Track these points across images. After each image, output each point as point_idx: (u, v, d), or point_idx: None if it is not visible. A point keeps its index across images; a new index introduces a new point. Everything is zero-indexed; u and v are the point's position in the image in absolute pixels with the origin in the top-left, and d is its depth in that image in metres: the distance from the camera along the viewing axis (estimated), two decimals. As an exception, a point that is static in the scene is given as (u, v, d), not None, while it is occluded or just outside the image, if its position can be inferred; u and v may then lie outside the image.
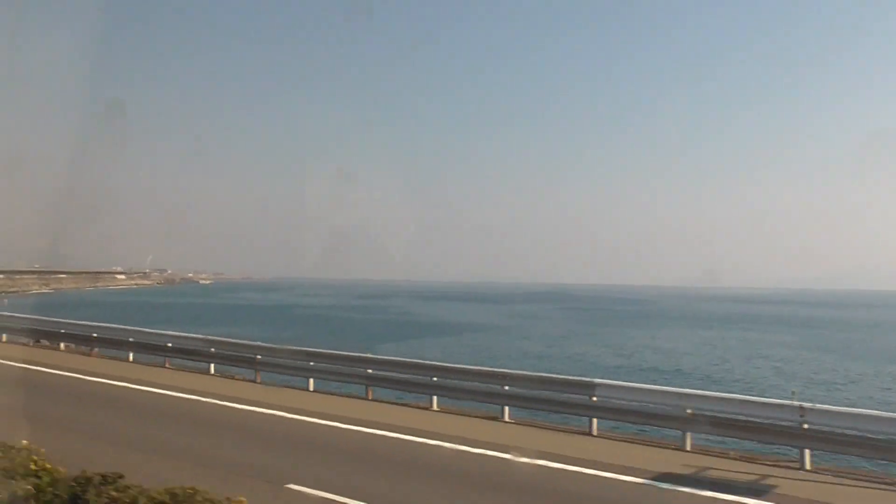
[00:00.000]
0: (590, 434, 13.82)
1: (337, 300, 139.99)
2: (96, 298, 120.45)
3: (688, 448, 12.55)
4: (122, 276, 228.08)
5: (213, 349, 20.81)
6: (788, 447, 12.33)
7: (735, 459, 12.05)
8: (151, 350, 22.07)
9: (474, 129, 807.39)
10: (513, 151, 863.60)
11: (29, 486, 5.32)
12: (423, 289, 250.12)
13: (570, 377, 16.06)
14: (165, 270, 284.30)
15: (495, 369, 17.22)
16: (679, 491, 10.11)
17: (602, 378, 15.76)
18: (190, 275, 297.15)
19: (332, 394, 17.90)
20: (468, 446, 12.16)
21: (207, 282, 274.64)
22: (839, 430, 11.41)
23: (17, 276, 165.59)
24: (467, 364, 19.07)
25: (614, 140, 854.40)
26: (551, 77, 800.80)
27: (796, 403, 11.68)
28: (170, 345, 21.71)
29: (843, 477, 11.17)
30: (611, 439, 13.66)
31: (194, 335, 22.74)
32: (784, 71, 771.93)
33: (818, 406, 11.98)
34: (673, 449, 12.71)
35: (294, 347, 19.68)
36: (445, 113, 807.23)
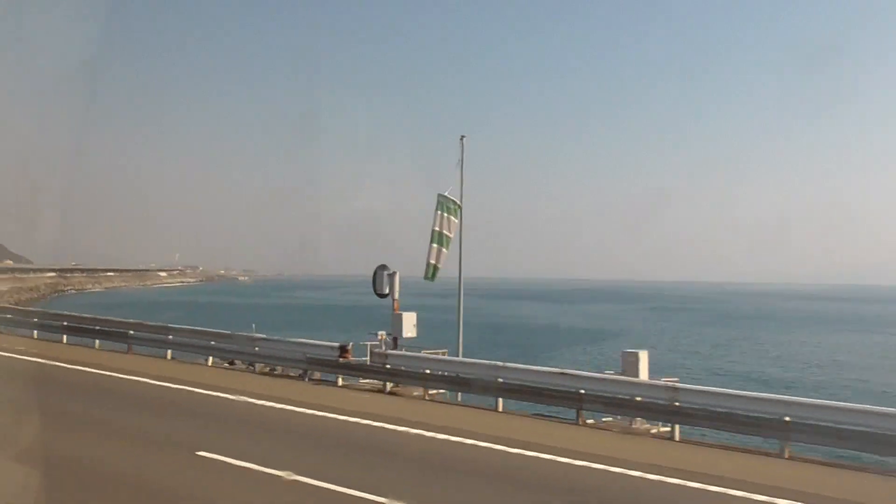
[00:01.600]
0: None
1: (407, 300, 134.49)
2: (161, 298, 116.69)
3: None
4: (163, 274, 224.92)
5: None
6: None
7: None
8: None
9: (497, 121, 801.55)
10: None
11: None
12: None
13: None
14: (197, 267, 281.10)
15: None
16: None
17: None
18: (222, 271, 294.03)
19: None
20: None
21: (245, 279, 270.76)
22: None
23: (69, 275, 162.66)
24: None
25: (646, 134, 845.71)
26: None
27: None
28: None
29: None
30: None
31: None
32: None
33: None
34: None
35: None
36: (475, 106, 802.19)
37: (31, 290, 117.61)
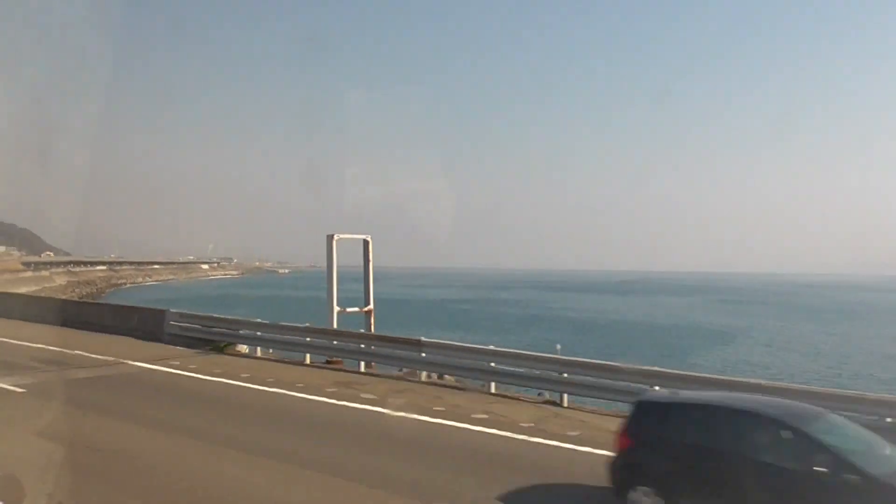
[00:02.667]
0: None
1: (475, 292, 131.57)
2: (222, 292, 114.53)
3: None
4: (205, 267, 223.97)
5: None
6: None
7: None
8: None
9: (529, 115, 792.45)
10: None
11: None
12: (522, 279, 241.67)
13: None
14: (231, 259, 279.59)
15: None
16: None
17: None
18: (257, 263, 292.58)
19: None
20: None
21: (285, 271, 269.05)
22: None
23: (118, 268, 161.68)
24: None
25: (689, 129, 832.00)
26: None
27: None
28: None
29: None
30: None
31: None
32: None
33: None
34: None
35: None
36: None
37: (87, 283, 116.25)
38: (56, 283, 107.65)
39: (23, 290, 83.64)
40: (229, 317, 21.29)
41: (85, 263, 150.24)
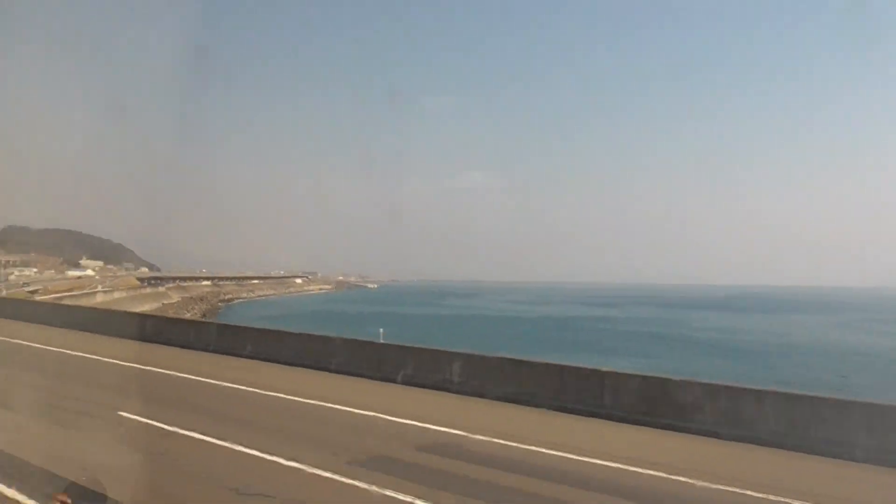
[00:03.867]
0: None
1: (585, 309, 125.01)
2: (332, 307, 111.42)
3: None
4: (299, 281, 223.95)
5: None
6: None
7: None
8: None
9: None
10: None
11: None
12: (615, 294, 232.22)
13: None
14: (316, 273, 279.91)
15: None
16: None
17: None
18: (340, 277, 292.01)
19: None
20: None
21: (373, 286, 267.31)
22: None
23: (221, 283, 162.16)
24: None
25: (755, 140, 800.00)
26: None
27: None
28: None
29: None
30: None
31: None
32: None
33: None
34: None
35: None
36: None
37: (199, 300, 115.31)
38: (172, 299, 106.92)
39: (146, 307, 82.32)
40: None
41: (189, 279, 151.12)
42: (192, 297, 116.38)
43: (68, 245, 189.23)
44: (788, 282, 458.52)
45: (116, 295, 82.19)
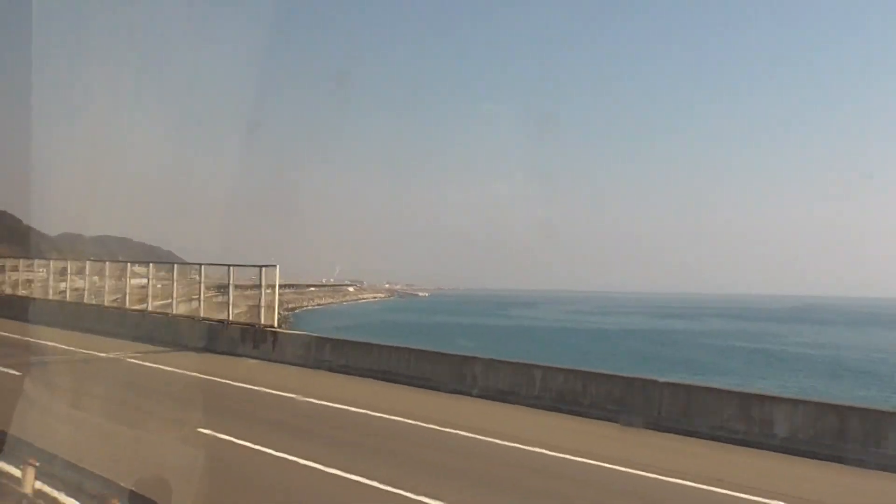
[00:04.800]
0: None
1: (650, 321, 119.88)
2: (404, 318, 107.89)
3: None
4: (352, 289, 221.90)
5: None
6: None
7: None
8: None
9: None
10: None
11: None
12: (672, 304, 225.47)
13: None
14: (361, 281, 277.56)
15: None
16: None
17: None
18: (387, 284, 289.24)
19: None
20: None
21: (425, 294, 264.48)
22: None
23: (282, 291, 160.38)
24: None
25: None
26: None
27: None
28: None
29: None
30: None
31: None
32: None
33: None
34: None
35: None
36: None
37: (267, 308, 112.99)
38: (240, 307, 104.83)
39: (223, 315, 79.76)
40: None
41: (249, 287, 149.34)
42: (255, 305, 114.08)
43: (122, 252, 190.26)
44: (835, 292, 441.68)
45: (193, 305, 79.69)
